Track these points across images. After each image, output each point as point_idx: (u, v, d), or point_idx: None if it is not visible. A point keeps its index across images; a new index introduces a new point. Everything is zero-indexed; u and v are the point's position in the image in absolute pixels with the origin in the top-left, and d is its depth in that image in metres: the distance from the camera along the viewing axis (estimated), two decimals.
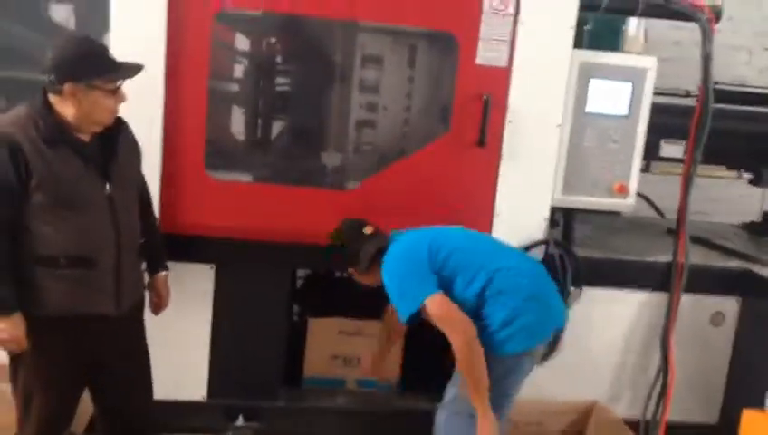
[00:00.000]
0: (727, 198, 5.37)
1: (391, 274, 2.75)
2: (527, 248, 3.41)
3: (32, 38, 3.32)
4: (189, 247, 3.28)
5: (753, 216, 4.76)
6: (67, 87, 2.42)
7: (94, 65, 2.45)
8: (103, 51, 2.53)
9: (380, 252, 2.85)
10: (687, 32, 4.06)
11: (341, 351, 3.77)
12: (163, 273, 2.96)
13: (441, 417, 2.88)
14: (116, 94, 2.52)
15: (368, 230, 2.94)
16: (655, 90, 3.76)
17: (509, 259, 2.83)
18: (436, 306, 2.63)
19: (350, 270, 3.00)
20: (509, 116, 3.29)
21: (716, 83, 4.07)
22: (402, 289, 2.71)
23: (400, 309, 2.73)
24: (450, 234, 2.89)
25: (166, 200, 3.19)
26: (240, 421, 3.61)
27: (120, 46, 2.77)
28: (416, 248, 2.77)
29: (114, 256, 2.57)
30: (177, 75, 3.12)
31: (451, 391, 2.86)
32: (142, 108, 2.92)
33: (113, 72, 2.49)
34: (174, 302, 3.06)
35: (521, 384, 2.87)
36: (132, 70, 2.53)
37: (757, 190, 4.56)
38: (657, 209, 4.75)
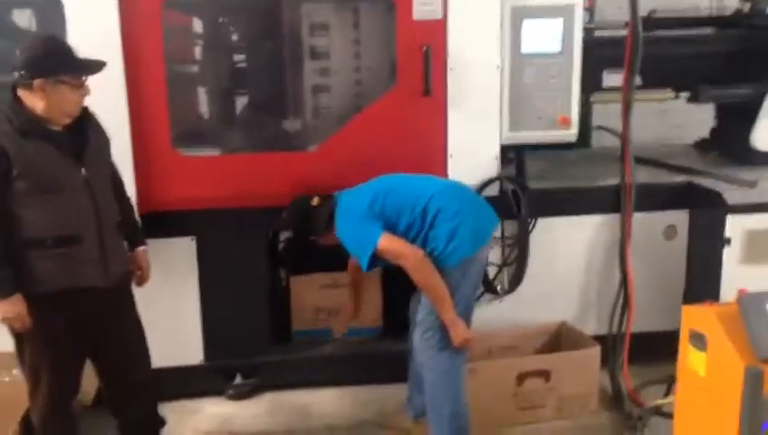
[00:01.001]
0: (690, 122, 5.57)
1: (342, 230, 3.08)
2: (482, 186, 3.65)
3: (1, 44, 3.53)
4: (168, 223, 3.52)
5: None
6: (37, 82, 2.65)
7: (61, 62, 2.68)
8: (68, 48, 2.76)
9: (331, 215, 3.14)
10: None
11: (324, 303, 4.04)
12: (142, 248, 3.19)
13: (416, 336, 3.14)
14: (81, 88, 2.75)
15: (314, 202, 3.23)
16: (596, 24, 3.97)
17: (437, 186, 3.12)
18: (384, 244, 2.95)
19: (313, 238, 3.28)
20: (450, 64, 3.51)
21: (653, 11, 4.31)
22: (354, 241, 3.04)
23: (359, 258, 3.03)
24: (385, 181, 3.18)
25: (140, 182, 3.43)
26: (238, 379, 3.89)
27: (77, 41, 2.96)
28: (356, 202, 3.08)
29: (96, 231, 2.82)
30: (135, 63, 3.33)
31: (421, 312, 3.12)
32: (107, 97, 3.14)
33: (79, 68, 2.73)
34: (162, 277, 3.32)
35: (477, 287, 3.22)
36: (96, 66, 2.77)
37: (712, 113, 4.76)
38: (608, 130, 4.94)
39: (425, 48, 3.43)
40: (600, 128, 4.72)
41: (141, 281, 3.20)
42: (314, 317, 4.05)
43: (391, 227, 3.00)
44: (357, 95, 3.86)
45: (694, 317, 2.93)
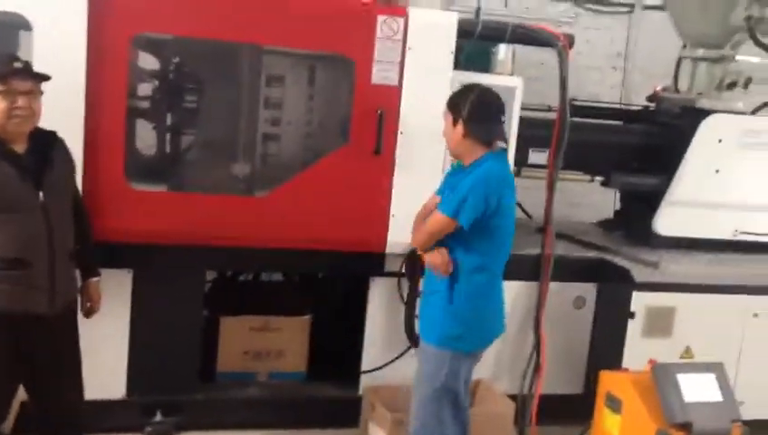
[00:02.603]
0: (588, 202, 6.05)
1: (475, 181, 3.06)
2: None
3: None
4: (109, 253, 3.48)
5: (609, 215, 5.43)
6: None
7: None
8: (6, 57, 2.78)
9: (484, 137, 3.14)
10: (550, 54, 4.66)
11: (252, 346, 4.09)
12: (95, 278, 3.18)
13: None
14: (11, 96, 2.70)
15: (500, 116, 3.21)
16: (523, 105, 4.32)
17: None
18: (439, 224, 3.10)
19: (445, 111, 3.23)
20: (401, 128, 3.75)
21: (574, 100, 4.74)
22: (463, 195, 3.05)
23: (448, 206, 3.10)
24: (511, 200, 3.24)
25: (90, 210, 3.40)
26: (158, 416, 3.85)
27: (42, 65, 2.93)
28: (498, 184, 3.10)
29: (48, 259, 2.80)
30: (96, 93, 3.35)
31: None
32: (65, 123, 3.11)
33: (5, 72, 2.71)
34: None
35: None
36: (24, 73, 2.75)
37: (611, 194, 5.23)
38: (525, 212, 5.35)
39: (380, 111, 3.65)
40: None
41: (90, 313, 3.19)
42: (241, 359, 4.08)
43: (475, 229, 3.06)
44: (306, 147, 4.01)
45: (611, 382, 3.24)
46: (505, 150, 3.33)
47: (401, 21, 3.66)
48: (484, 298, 3.20)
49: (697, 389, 3.05)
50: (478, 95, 3.14)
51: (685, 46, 4.87)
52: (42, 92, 2.83)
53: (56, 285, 2.85)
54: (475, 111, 3.11)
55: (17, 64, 2.76)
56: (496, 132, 3.20)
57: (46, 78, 2.82)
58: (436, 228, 3.13)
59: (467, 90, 3.20)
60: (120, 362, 3.74)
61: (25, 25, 3.26)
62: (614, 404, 3.19)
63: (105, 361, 3.67)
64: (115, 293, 3.61)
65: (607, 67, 7.10)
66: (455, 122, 3.16)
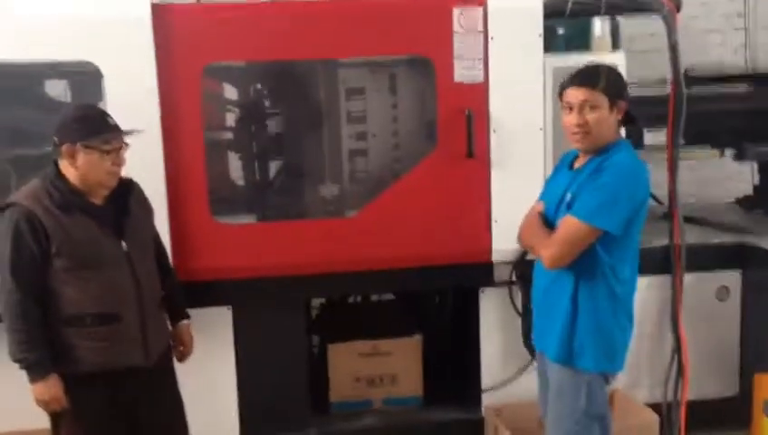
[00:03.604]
0: (722, 177, 5.48)
1: (618, 176, 2.63)
2: (526, 252, 3.53)
3: (33, 116, 3.49)
4: (204, 292, 3.41)
5: (746, 191, 4.87)
6: (64, 148, 2.59)
7: (88, 127, 2.61)
8: (100, 114, 2.70)
9: (627, 121, 2.79)
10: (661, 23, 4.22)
11: (363, 372, 3.89)
12: (185, 322, 3.08)
13: None
14: (111, 155, 2.65)
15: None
16: (632, 82, 3.90)
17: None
18: (577, 230, 2.62)
19: (598, 93, 2.68)
20: (493, 126, 3.44)
21: (691, 68, 4.25)
22: (608, 200, 2.60)
23: (584, 210, 2.63)
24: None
25: (176, 250, 3.34)
26: None
27: (115, 110, 2.91)
28: (643, 180, 2.71)
29: (137, 309, 2.72)
30: (172, 130, 3.28)
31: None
32: (144, 165, 3.06)
33: (105, 132, 2.64)
34: (197, 347, 3.18)
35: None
36: (123, 131, 2.69)
37: (748, 168, 4.68)
38: (654, 197, 4.87)
39: (467, 111, 3.37)
40: None
41: (183, 357, 3.09)
42: (354, 387, 3.89)
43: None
44: (395, 159, 3.79)
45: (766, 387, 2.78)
46: (629, 141, 2.89)
47: (479, 11, 3.37)
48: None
49: None
50: (611, 70, 2.74)
51: None
52: (128, 145, 2.75)
53: (148, 335, 2.77)
54: (626, 91, 2.72)
55: (112, 121, 2.69)
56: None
57: (138, 132, 2.76)
58: (572, 238, 2.63)
59: (606, 68, 2.75)
60: (231, 403, 3.63)
61: (99, 73, 3.23)
62: None
63: (215, 403, 3.58)
64: (216, 332, 3.53)
65: (729, 28, 6.46)
66: (612, 106, 2.68)
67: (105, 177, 2.66)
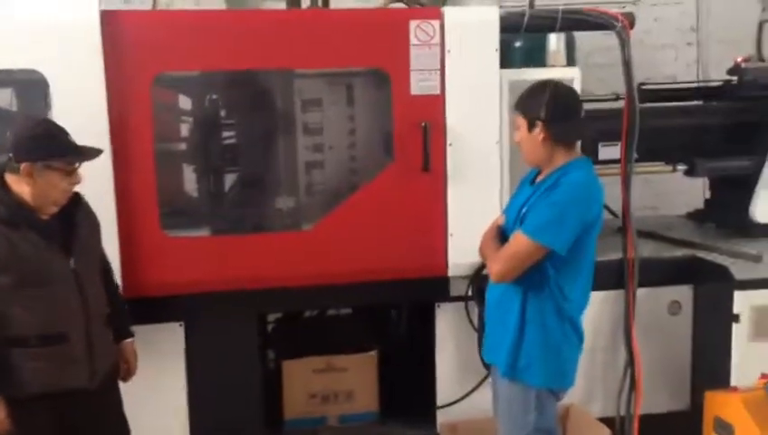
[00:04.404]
0: (674, 191, 5.55)
1: (566, 195, 2.66)
2: (482, 267, 3.51)
3: None
4: (156, 308, 3.32)
5: (698, 205, 4.93)
6: (24, 166, 2.50)
7: (51, 146, 2.53)
8: (61, 133, 2.61)
9: (567, 138, 2.78)
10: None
11: (318, 389, 3.83)
12: (129, 340, 3.01)
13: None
14: (72, 175, 2.59)
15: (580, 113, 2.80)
16: (588, 96, 3.93)
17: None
18: (523, 248, 2.65)
19: (518, 114, 2.82)
20: (449, 139, 3.43)
21: (644, 83, 4.30)
22: (556, 219, 2.64)
23: (532, 226, 2.66)
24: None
25: (127, 265, 3.24)
26: None
27: (62, 119, 2.80)
28: (595, 199, 2.74)
29: (84, 329, 2.63)
30: (122, 141, 3.18)
31: None
32: (92, 177, 2.96)
33: (71, 154, 2.57)
34: (147, 364, 3.11)
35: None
36: (91, 153, 2.63)
37: (699, 182, 4.74)
38: (609, 210, 4.91)
39: (424, 124, 3.35)
40: None
41: (127, 376, 3.01)
42: (308, 404, 3.83)
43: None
44: (352, 171, 3.75)
45: (718, 404, 2.81)
46: (588, 158, 2.92)
47: (436, 24, 3.35)
48: None
49: None
50: (555, 91, 2.75)
51: (765, 9, 4.38)
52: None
53: (95, 355, 2.69)
54: (556, 109, 2.72)
55: (73, 141, 2.62)
56: (580, 132, 2.84)
57: (100, 152, 2.69)
58: (519, 254, 2.67)
59: (539, 87, 2.80)
60: (181, 420, 3.53)
61: (43, 81, 3.13)
62: (725, 430, 2.76)
63: (165, 421, 3.48)
64: (168, 349, 3.44)
65: (681, 44, 6.59)
66: (531, 126, 2.76)
67: (61, 195, 2.59)
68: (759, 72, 4.29)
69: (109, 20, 3.14)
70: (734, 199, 4.17)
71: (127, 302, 3.08)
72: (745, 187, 4.08)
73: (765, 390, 2.64)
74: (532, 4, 3.72)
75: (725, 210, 4.30)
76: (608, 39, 4.29)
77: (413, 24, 3.33)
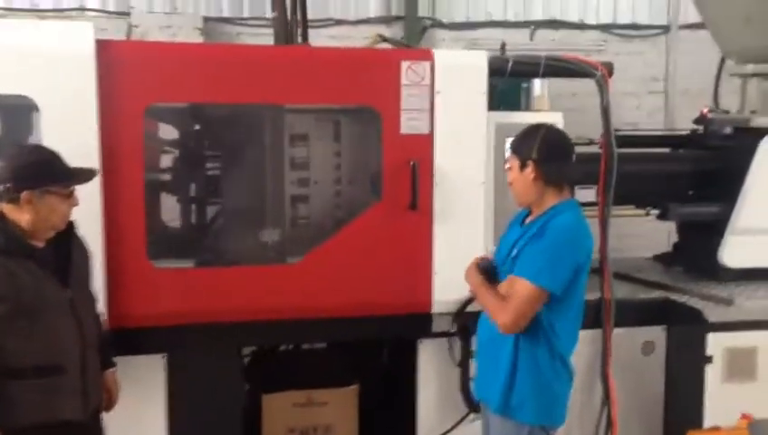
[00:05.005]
0: (638, 234, 5.71)
1: (558, 238, 2.75)
2: (466, 304, 3.57)
3: None
4: (139, 340, 3.28)
5: (661, 247, 5.07)
6: (24, 195, 2.47)
7: (49, 172, 2.53)
8: (55, 157, 2.61)
9: (558, 180, 2.87)
10: (582, 83, 4.40)
11: (297, 423, 3.80)
12: (112, 370, 2.98)
13: None
14: (70, 198, 2.59)
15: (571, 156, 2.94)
16: None
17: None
18: (527, 297, 2.71)
19: (511, 155, 2.94)
20: (436, 178, 3.49)
21: (616, 130, 4.45)
22: (543, 258, 2.73)
23: (523, 263, 2.76)
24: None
25: (112, 295, 3.20)
26: None
27: (51, 146, 2.78)
28: (585, 239, 2.84)
29: (79, 360, 2.61)
30: (112, 171, 3.17)
31: None
32: (81, 206, 2.93)
33: (68, 178, 2.57)
34: (128, 395, 3.08)
35: None
36: (87, 174, 2.63)
37: (663, 225, 4.88)
38: None
39: (412, 163, 3.41)
40: None
41: (109, 406, 2.96)
42: None
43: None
44: (339, 208, 3.79)
45: None
46: (576, 201, 3.02)
47: (427, 65, 3.44)
48: None
49: None
50: (548, 133, 2.88)
51: (721, 63, 4.59)
52: None
53: (88, 387, 2.66)
54: (548, 151, 2.84)
55: (68, 164, 2.62)
56: (570, 174, 2.93)
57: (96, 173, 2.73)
58: (529, 299, 2.73)
59: (533, 129, 2.93)
60: None
61: (33, 107, 3.11)
62: None
63: None
64: (149, 380, 3.39)
65: (643, 92, 6.85)
66: (523, 165, 2.86)
67: (60, 220, 2.59)
68: (725, 122, 4.49)
69: (104, 49, 3.14)
70: (703, 244, 4.31)
71: (110, 332, 3.04)
72: (713, 232, 4.22)
73: (748, 430, 2.71)
74: (503, 49, 3.86)
75: (694, 254, 4.44)
76: (573, 85, 4.48)
77: (405, 64, 3.41)
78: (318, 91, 3.42)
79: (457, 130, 3.50)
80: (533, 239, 2.81)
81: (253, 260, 3.60)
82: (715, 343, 3.67)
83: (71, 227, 2.71)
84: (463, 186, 3.53)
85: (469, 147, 3.52)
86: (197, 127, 3.71)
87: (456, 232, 3.53)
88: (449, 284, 3.53)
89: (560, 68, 3.79)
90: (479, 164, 3.55)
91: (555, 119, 3.71)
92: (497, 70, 3.63)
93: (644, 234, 5.68)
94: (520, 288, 2.74)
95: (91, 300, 2.77)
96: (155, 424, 3.43)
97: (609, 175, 3.75)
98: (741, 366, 3.68)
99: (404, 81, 3.42)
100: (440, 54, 3.48)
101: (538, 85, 3.79)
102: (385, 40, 3.83)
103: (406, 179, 3.44)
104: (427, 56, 3.46)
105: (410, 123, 3.45)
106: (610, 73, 3.82)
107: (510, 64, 3.68)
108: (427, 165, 3.47)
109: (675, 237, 4.80)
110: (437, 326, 3.65)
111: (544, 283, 2.70)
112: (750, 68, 4.34)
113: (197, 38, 6.27)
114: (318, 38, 3.68)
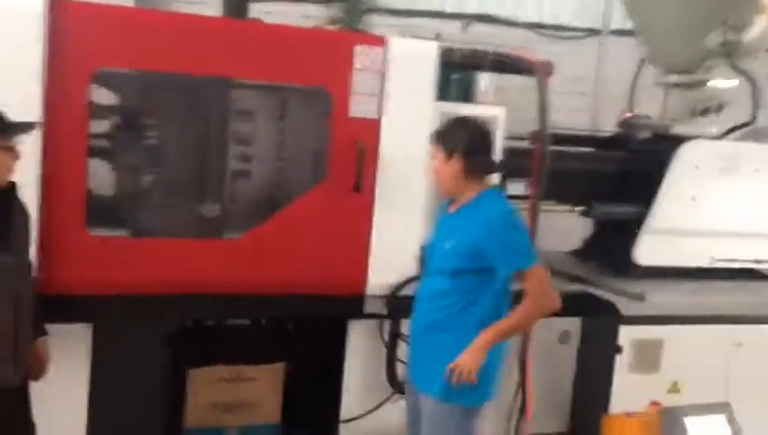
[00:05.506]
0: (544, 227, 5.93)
1: (510, 223, 2.95)
2: (400, 285, 3.65)
3: None
4: (67, 307, 3.19)
5: (574, 243, 5.30)
6: None
7: None
8: None
9: (485, 171, 3.04)
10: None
11: (223, 398, 3.79)
12: (42, 338, 2.88)
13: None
14: (12, 151, 2.49)
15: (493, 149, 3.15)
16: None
17: None
18: (541, 277, 2.94)
19: (436, 145, 3.05)
20: (381, 163, 3.54)
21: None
22: (519, 243, 2.93)
23: (507, 260, 2.90)
24: None
25: (44, 260, 3.09)
26: None
27: None
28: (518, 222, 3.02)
29: (13, 324, 2.51)
30: (54, 134, 3.05)
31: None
32: (19, 169, 2.81)
33: (7, 129, 2.47)
34: (51, 363, 2.98)
35: None
36: (26, 127, 2.54)
37: (576, 221, 5.10)
38: None
39: (360, 146, 3.45)
40: None
41: (38, 375, 2.87)
42: (210, 413, 3.78)
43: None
44: (282, 186, 3.78)
45: (617, 427, 3.09)
46: (498, 188, 3.18)
47: (380, 51, 3.47)
48: None
49: (706, 432, 2.93)
50: (475, 127, 3.02)
51: (638, 69, 4.83)
52: None
53: (20, 351, 2.56)
54: (475, 144, 2.98)
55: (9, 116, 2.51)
56: (493, 166, 3.08)
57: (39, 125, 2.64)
58: (539, 280, 2.98)
59: (460, 122, 3.07)
60: (79, 425, 3.39)
61: None
62: None
63: (62, 424, 3.32)
64: (73, 350, 3.30)
65: (565, 93, 7.08)
66: (448, 157, 2.97)
67: (6, 174, 2.50)
68: (645, 127, 4.75)
69: (56, 8, 3.02)
70: (618, 241, 4.56)
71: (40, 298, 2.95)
72: (628, 230, 4.48)
73: (659, 416, 2.93)
74: (437, 40, 3.93)
75: (609, 250, 4.70)
76: (502, 80, 4.63)
77: (358, 48, 3.44)
78: (269, 68, 3.40)
79: (405, 117, 3.56)
80: (493, 236, 2.92)
81: (189, 233, 3.55)
82: (626, 335, 3.92)
83: (12, 189, 2.60)
84: (406, 172, 3.59)
85: (415, 134, 3.58)
86: (143, 95, 3.60)
87: (395, 217, 3.60)
88: (385, 267, 3.61)
89: (503, 63, 3.91)
90: (423, 151, 3.60)
91: (497, 113, 3.84)
92: (446, 61, 3.70)
93: (558, 229, 5.90)
94: (531, 275, 2.93)
95: (28, 266, 2.66)
96: (76, 394, 3.36)
97: (542, 170, 3.91)
98: (647, 357, 3.94)
99: (356, 65, 3.45)
100: (393, 42, 3.52)
101: (484, 80, 3.89)
102: (335, 23, 3.83)
103: (351, 162, 3.47)
104: (381, 42, 3.49)
105: (360, 107, 3.48)
106: (550, 72, 3.97)
107: (458, 56, 3.76)
108: (373, 149, 3.52)
109: (587, 234, 5.05)
110: (370, 308, 3.72)
111: (535, 258, 2.93)
112: (674, 78, 4.60)
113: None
114: (253, 12, 3.63)
